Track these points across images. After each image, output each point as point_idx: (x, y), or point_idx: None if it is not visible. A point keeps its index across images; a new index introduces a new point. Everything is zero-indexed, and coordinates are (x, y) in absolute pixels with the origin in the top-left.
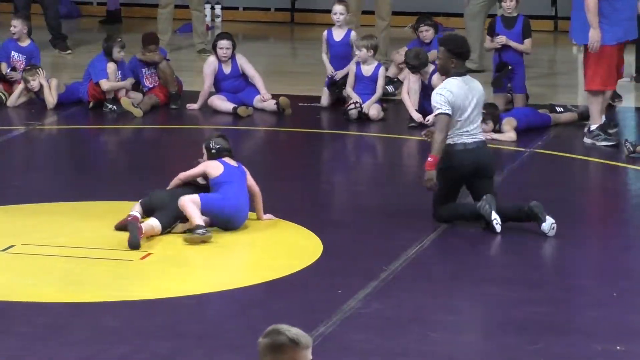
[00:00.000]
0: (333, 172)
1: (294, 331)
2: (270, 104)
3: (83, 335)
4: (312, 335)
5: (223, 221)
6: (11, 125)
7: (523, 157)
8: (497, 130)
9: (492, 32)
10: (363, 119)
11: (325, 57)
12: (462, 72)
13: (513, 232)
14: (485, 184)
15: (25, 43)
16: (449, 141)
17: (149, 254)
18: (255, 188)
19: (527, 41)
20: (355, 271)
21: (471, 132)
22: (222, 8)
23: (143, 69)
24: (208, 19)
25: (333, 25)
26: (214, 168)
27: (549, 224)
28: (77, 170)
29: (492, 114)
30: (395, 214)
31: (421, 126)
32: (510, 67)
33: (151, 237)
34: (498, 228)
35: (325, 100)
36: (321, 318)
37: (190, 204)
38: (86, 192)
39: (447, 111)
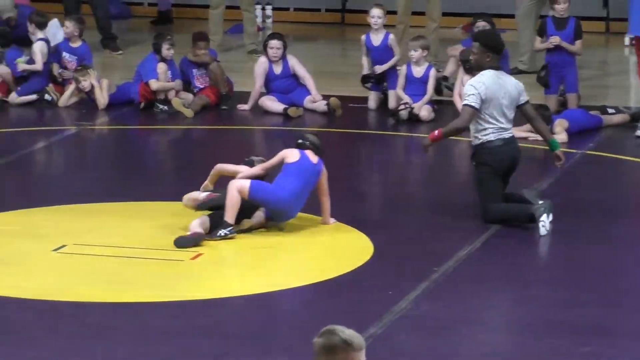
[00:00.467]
0: (384, 173)
1: (347, 332)
2: (321, 105)
3: (132, 335)
4: (363, 337)
5: (268, 209)
6: (62, 125)
7: (574, 158)
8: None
9: (542, 33)
10: (413, 120)
11: (365, 60)
12: (497, 67)
13: (564, 235)
14: (508, 178)
15: (77, 44)
16: (488, 138)
17: (200, 254)
18: (326, 191)
19: (578, 42)
20: (405, 272)
21: (505, 127)
22: (273, 9)
23: (193, 70)
24: (259, 19)
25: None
26: (290, 154)
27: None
28: (128, 170)
29: (543, 116)
30: (446, 215)
31: None
32: (545, 65)
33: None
34: (543, 232)
35: (372, 103)
36: (372, 319)
37: (231, 194)
38: (137, 192)
39: (474, 104)
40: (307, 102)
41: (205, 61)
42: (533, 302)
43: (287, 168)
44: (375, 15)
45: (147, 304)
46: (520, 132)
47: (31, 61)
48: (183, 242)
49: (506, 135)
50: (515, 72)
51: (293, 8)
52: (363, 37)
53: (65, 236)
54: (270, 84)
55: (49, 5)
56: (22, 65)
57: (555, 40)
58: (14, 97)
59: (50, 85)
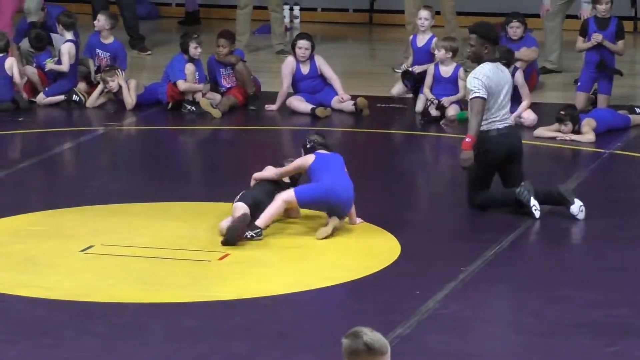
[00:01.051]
0: (411, 173)
1: (371, 336)
2: (348, 105)
3: (161, 336)
4: (390, 337)
5: (324, 206)
6: (90, 126)
7: (602, 158)
8: (576, 132)
9: (584, 33)
10: (439, 119)
11: (410, 59)
12: (495, 59)
13: (592, 235)
14: (514, 168)
15: (109, 40)
16: (483, 128)
17: (227, 254)
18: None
19: (620, 42)
20: (433, 272)
21: (502, 118)
22: (301, 9)
23: (220, 69)
24: (286, 20)
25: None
26: (306, 159)
27: (577, 206)
28: (156, 171)
29: (571, 115)
30: (473, 215)
31: None
32: (602, 61)
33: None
34: (537, 214)
35: (396, 90)
36: (399, 319)
37: (277, 205)
38: (164, 192)
39: (483, 95)
40: (335, 102)
41: (232, 62)
42: (561, 302)
43: (312, 169)
44: (423, 16)
45: (176, 304)
46: (547, 131)
47: (59, 62)
48: (232, 234)
49: (500, 125)
50: (543, 71)
51: (321, 8)
52: (411, 37)
53: (93, 237)
54: (298, 84)
55: (78, 6)
56: (49, 65)
57: (597, 37)
58: (41, 98)
59: (78, 86)
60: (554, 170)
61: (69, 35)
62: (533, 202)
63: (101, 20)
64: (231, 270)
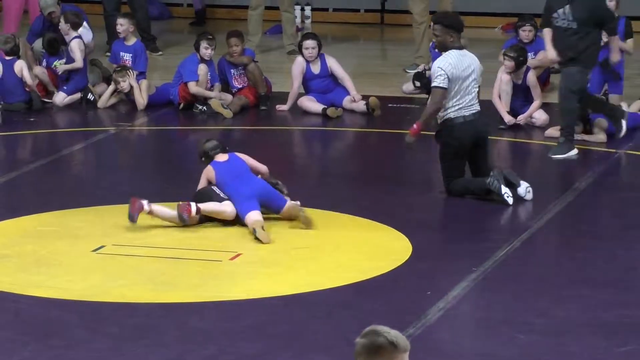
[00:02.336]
0: (422, 172)
1: (393, 333)
2: (360, 105)
3: (172, 336)
4: None
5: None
6: (102, 126)
7: (613, 158)
8: (588, 131)
9: None
10: None
11: (426, 64)
12: (459, 46)
13: (604, 235)
14: (481, 154)
15: (131, 42)
16: (449, 116)
17: (239, 254)
18: (261, 167)
19: (630, 41)
20: (444, 272)
21: (468, 104)
22: (312, 9)
23: (231, 70)
24: (298, 20)
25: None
26: (209, 174)
27: (524, 187)
28: (167, 171)
29: (582, 115)
30: (484, 215)
31: (511, 127)
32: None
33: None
34: (510, 201)
35: (405, 87)
36: (410, 319)
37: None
38: (176, 192)
39: (444, 85)
40: (346, 102)
41: (243, 62)
42: (572, 302)
43: (218, 184)
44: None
45: (187, 304)
46: (555, 131)
47: (70, 60)
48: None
49: (467, 113)
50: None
51: (332, 8)
52: (430, 43)
53: (104, 237)
54: (308, 84)
55: (89, 6)
56: (62, 67)
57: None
58: (61, 98)
59: (94, 85)
60: (564, 170)
61: (74, 33)
62: (504, 190)
63: (124, 25)
64: (242, 270)
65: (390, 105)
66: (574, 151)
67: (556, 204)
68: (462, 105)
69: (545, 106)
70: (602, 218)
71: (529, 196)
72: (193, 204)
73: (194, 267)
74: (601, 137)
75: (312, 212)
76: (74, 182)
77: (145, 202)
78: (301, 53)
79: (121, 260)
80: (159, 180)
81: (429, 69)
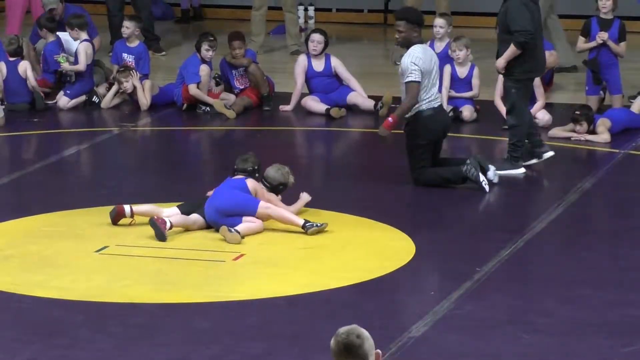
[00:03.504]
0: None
1: (345, 335)
2: (367, 103)
3: (175, 336)
4: (405, 337)
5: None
6: (105, 126)
7: (617, 158)
8: (591, 132)
9: (586, 33)
10: (456, 120)
11: None
12: (421, 40)
13: (608, 235)
14: (439, 145)
15: (134, 44)
16: (422, 108)
17: (242, 255)
18: (271, 201)
19: (623, 44)
20: (448, 272)
21: (435, 96)
22: (315, 10)
23: (233, 71)
24: (301, 20)
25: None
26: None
27: (492, 171)
28: (170, 171)
29: (586, 115)
30: (488, 215)
31: None
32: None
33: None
34: (487, 188)
35: None
36: (414, 319)
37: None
38: (179, 193)
39: (418, 79)
40: (351, 97)
41: (243, 64)
42: (576, 302)
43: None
44: (438, 24)
45: (191, 304)
46: (562, 132)
47: (76, 62)
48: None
49: (435, 104)
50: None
51: (335, 9)
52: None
53: (108, 237)
54: (311, 81)
55: (92, 6)
56: (65, 65)
57: (604, 36)
58: (65, 102)
59: (97, 86)
60: (568, 170)
61: (84, 35)
62: (482, 177)
63: (130, 27)
64: (245, 270)
65: (393, 105)
66: (520, 170)
67: (560, 204)
68: (431, 98)
69: (548, 106)
70: (605, 218)
71: (496, 179)
72: (127, 206)
73: (197, 267)
74: (605, 137)
75: (316, 212)
76: (78, 182)
77: (167, 219)
78: (306, 47)
79: (125, 260)
80: (163, 180)
81: None
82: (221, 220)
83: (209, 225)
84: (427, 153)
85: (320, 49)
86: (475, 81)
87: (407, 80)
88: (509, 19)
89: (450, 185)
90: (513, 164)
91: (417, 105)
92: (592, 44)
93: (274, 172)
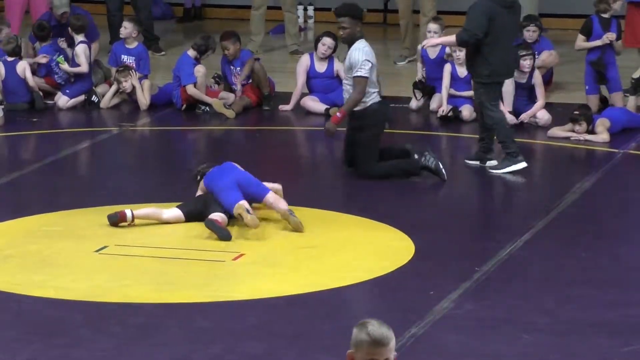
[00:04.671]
0: (425, 173)
1: (375, 328)
2: None
3: (175, 336)
4: (404, 337)
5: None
6: (104, 126)
7: (616, 158)
8: (591, 132)
9: (588, 32)
10: (454, 119)
11: (419, 67)
12: (363, 35)
13: (607, 234)
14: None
15: (133, 45)
16: (373, 101)
17: (242, 254)
18: (274, 186)
19: (620, 42)
20: (447, 272)
21: (376, 90)
22: (315, 9)
23: (231, 67)
24: (300, 20)
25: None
26: (201, 186)
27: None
28: (170, 171)
29: (585, 115)
30: (487, 215)
31: (514, 127)
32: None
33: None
34: (445, 176)
35: (414, 103)
36: (413, 319)
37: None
38: (179, 193)
39: (367, 75)
40: None
41: (250, 66)
42: (576, 302)
43: (208, 187)
44: (432, 29)
45: (190, 304)
46: (561, 131)
47: (74, 64)
48: (226, 234)
49: (380, 97)
50: None
51: (335, 8)
52: (419, 47)
53: (107, 237)
54: (311, 82)
55: (93, 6)
56: (66, 67)
57: (612, 36)
58: (64, 102)
59: (96, 85)
60: (567, 170)
61: (80, 37)
62: (441, 165)
63: (128, 28)
64: (245, 270)
65: (392, 105)
66: (521, 164)
67: (559, 203)
68: (376, 91)
69: (548, 106)
70: (605, 217)
71: (445, 176)
72: (128, 211)
73: (197, 267)
74: (604, 136)
75: (315, 212)
76: (77, 182)
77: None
78: (315, 48)
79: (125, 260)
80: (162, 180)
81: (422, 79)
82: (224, 192)
83: (187, 220)
84: (378, 146)
85: (329, 53)
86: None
87: (357, 74)
88: (468, 15)
89: (405, 177)
90: (512, 159)
91: (368, 99)
92: (597, 42)
93: None
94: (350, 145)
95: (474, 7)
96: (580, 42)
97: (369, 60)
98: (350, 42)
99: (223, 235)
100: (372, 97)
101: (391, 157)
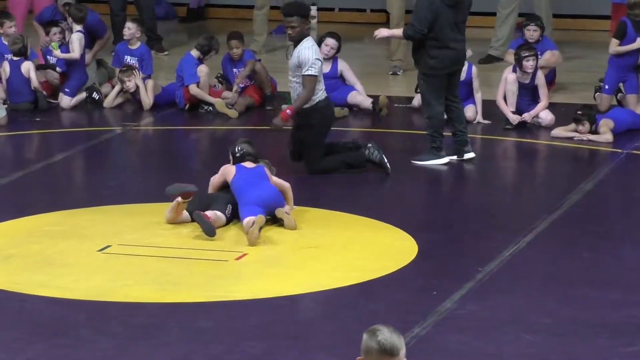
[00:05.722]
0: (428, 173)
1: (386, 336)
2: (366, 102)
3: (177, 336)
4: (407, 337)
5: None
6: (108, 126)
7: (619, 158)
8: (594, 132)
9: (622, 36)
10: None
11: None
12: (309, 33)
13: (610, 235)
14: None
15: (136, 46)
16: (320, 99)
17: (244, 254)
18: (284, 185)
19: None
20: (450, 272)
21: (322, 88)
22: (318, 9)
23: (234, 69)
24: None
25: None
26: (228, 173)
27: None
28: (173, 171)
29: (588, 115)
30: (490, 215)
31: (517, 128)
32: None
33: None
34: (389, 169)
35: (417, 101)
36: (416, 319)
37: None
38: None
39: (317, 73)
40: (351, 97)
41: (251, 67)
42: (578, 302)
43: (233, 186)
44: None
45: (193, 304)
46: (565, 132)
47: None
48: (210, 229)
49: (324, 95)
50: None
51: (338, 8)
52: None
53: (110, 237)
54: None
55: (95, 6)
56: (57, 52)
57: None
58: (67, 102)
59: (100, 86)
60: (571, 170)
61: (78, 27)
62: (385, 158)
63: (132, 29)
64: (248, 270)
65: (396, 105)
66: (443, 159)
67: (562, 204)
68: (322, 88)
69: (551, 106)
70: (608, 218)
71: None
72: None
73: (200, 267)
74: (607, 137)
75: (317, 212)
76: (80, 182)
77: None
78: (319, 47)
79: (127, 260)
80: (166, 179)
81: None
82: (247, 206)
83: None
84: (324, 141)
85: (332, 54)
86: (475, 83)
87: (307, 73)
88: (414, 11)
89: (350, 170)
90: (435, 154)
91: (314, 97)
92: (633, 46)
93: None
94: (296, 140)
95: (420, 3)
96: (614, 46)
97: (319, 59)
98: (298, 40)
99: (206, 228)
100: (319, 95)
101: (336, 151)
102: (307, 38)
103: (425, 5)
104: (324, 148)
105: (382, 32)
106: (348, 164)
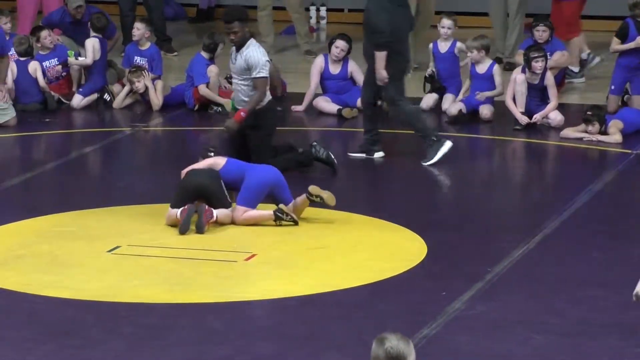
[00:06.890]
0: (438, 173)
1: (393, 344)
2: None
3: (187, 336)
4: (416, 338)
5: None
6: (117, 126)
7: (629, 159)
8: (603, 132)
9: (624, 35)
10: (467, 119)
11: (431, 65)
12: (252, 35)
13: (619, 236)
14: None
15: (146, 46)
16: (267, 100)
17: (254, 255)
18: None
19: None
20: (459, 273)
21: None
22: (327, 10)
23: None
24: (313, 20)
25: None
26: (217, 161)
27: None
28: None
29: (597, 116)
30: (499, 216)
31: (527, 128)
32: None
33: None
34: (336, 164)
35: (426, 103)
36: (425, 320)
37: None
38: None
39: (267, 75)
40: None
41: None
42: (588, 302)
43: (230, 174)
44: (446, 25)
45: (202, 304)
46: (574, 132)
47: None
48: (200, 226)
49: (270, 97)
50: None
51: (347, 9)
52: (431, 45)
53: (120, 237)
54: (325, 83)
55: (105, 6)
56: (71, 59)
57: None
58: (78, 101)
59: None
60: (580, 171)
61: (95, 34)
62: (331, 154)
63: (140, 29)
64: (257, 271)
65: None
66: (446, 144)
67: (571, 204)
68: (268, 91)
69: (560, 107)
70: (617, 218)
71: (328, 154)
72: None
73: (209, 267)
74: (617, 137)
75: (326, 213)
76: (90, 182)
77: (214, 211)
78: (329, 50)
79: (137, 260)
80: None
81: (432, 73)
82: (256, 194)
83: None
84: (271, 142)
85: (342, 56)
86: (497, 79)
87: (259, 75)
88: (369, 21)
89: (301, 168)
90: (437, 145)
91: (265, 99)
92: (631, 45)
93: None
94: (239, 145)
95: (369, 10)
96: (615, 44)
97: (268, 61)
98: (241, 44)
99: (181, 228)
100: (268, 96)
101: (282, 152)
102: (250, 40)
103: (375, 9)
104: (271, 149)
105: (381, 74)
106: (297, 162)
